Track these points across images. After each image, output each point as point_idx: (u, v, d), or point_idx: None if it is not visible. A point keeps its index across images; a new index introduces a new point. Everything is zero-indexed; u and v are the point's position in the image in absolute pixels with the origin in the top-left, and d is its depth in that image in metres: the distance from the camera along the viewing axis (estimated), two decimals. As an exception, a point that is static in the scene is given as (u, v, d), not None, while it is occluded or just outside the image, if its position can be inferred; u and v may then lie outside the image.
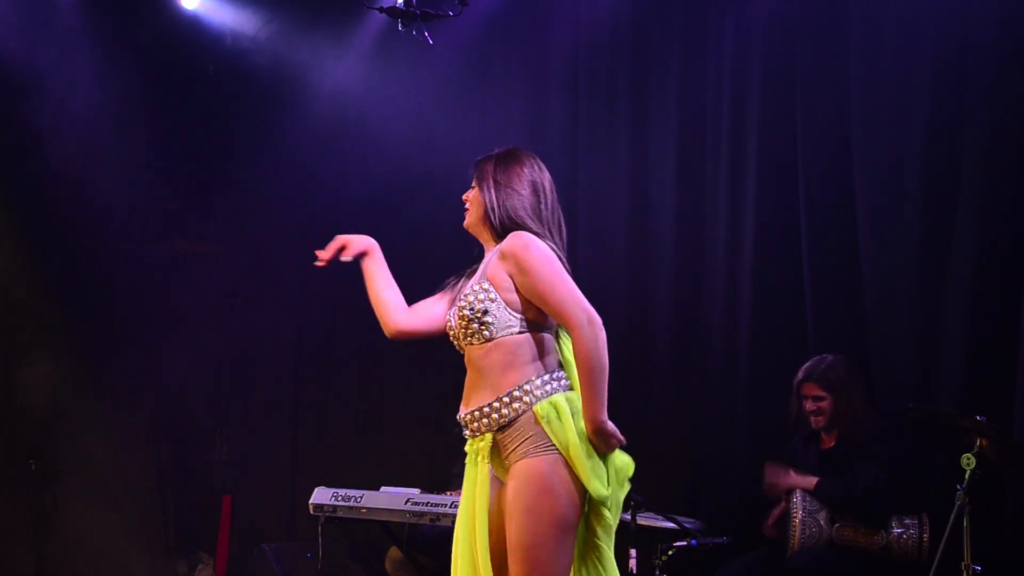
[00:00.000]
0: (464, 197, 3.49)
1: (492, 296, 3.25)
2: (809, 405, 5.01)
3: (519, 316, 3.26)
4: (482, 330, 3.24)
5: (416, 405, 6.84)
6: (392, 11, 5.65)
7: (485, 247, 3.46)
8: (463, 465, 5.19)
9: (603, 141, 6.25)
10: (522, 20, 6.60)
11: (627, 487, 3.28)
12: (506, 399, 3.21)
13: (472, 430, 3.30)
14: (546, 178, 3.42)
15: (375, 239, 3.77)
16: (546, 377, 3.25)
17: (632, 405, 5.77)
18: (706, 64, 5.95)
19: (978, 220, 5.01)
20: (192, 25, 7.08)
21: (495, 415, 3.23)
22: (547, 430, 3.17)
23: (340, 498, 5.59)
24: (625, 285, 6.07)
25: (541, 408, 3.19)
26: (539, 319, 3.28)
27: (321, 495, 5.63)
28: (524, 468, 3.17)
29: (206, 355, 7.25)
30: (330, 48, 7.03)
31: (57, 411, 6.87)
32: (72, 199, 6.72)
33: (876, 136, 5.34)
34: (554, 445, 3.17)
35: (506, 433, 3.22)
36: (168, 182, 7.22)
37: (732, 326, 5.75)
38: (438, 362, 6.27)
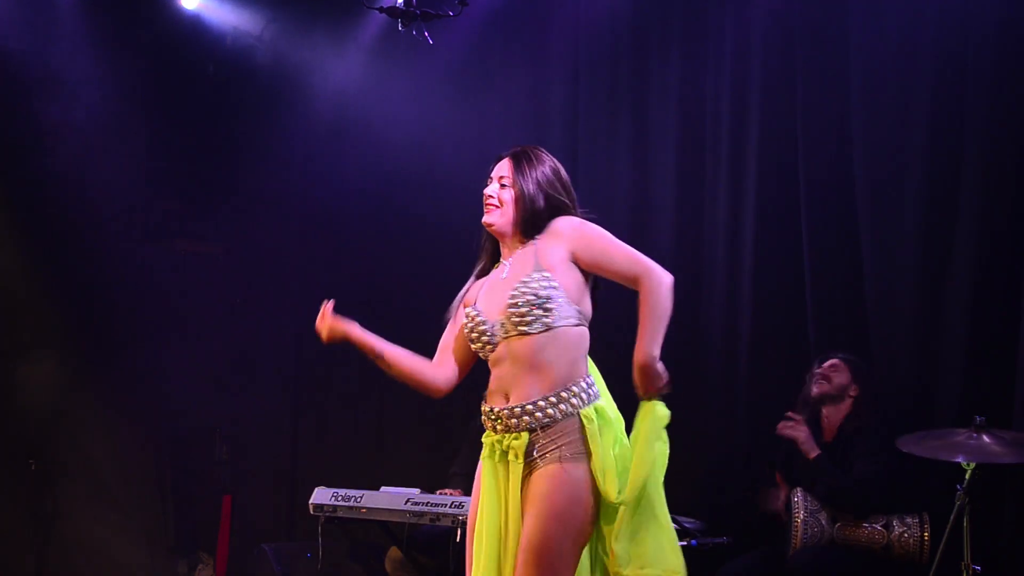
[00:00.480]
0: (490, 193, 3.41)
1: (554, 284, 3.21)
2: (824, 370, 5.01)
3: (575, 307, 3.24)
4: (543, 316, 3.18)
5: (416, 405, 6.84)
6: (392, 11, 5.65)
7: (505, 250, 3.41)
8: (463, 464, 5.14)
9: (603, 141, 6.25)
10: (522, 20, 6.60)
11: (665, 439, 3.22)
12: (553, 399, 3.17)
13: (507, 426, 3.21)
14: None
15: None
16: (590, 380, 3.25)
17: (631, 406, 5.77)
18: (706, 64, 5.95)
19: (979, 220, 5.01)
20: (192, 25, 7.08)
21: (539, 414, 3.17)
22: (589, 432, 3.15)
23: (340, 498, 5.58)
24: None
25: (589, 412, 3.18)
26: (587, 311, 3.29)
27: (321, 495, 5.62)
28: (560, 472, 3.13)
29: (206, 355, 7.25)
30: (330, 48, 7.04)
31: (57, 411, 6.87)
32: (72, 199, 6.72)
33: (876, 136, 5.34)
34: (587, 452, 3.15)
35: (544, 433, 3.17)
36: (168, 182, 7.23)
37: (732, 326, 5.75)
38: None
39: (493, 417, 3.26)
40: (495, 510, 3.22)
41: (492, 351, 3.29)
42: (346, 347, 3.57)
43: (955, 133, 5.12)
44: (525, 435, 3.18)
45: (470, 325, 3.34)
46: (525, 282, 3.23)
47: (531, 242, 3.33)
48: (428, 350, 3.61)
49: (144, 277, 7.05)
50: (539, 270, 3.24)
